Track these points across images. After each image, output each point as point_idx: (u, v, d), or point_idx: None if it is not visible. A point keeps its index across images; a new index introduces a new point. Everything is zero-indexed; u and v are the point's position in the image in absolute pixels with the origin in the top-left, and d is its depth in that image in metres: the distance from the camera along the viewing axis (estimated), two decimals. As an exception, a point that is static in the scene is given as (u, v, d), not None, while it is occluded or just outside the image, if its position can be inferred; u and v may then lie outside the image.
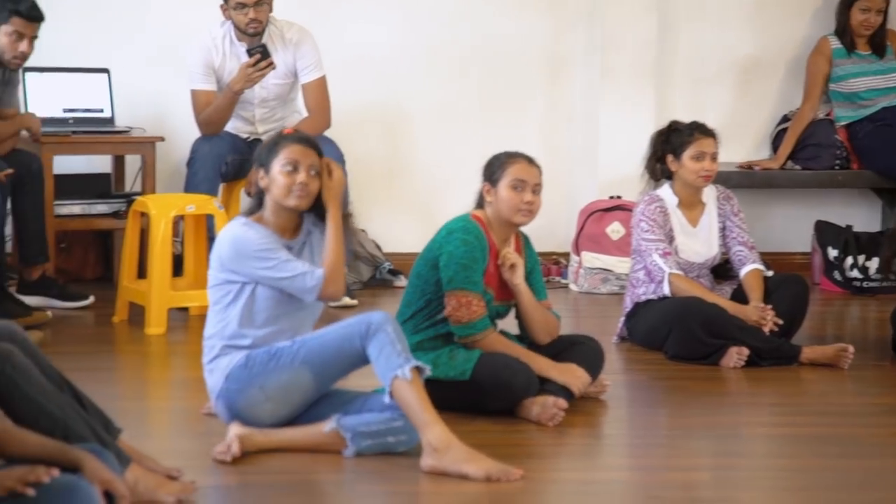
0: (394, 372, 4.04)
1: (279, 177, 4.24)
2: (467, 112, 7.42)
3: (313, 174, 4.26)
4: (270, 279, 4.21)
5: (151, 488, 3.72)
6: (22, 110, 6.38)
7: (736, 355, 5.41)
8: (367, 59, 7.30)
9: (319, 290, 4.20)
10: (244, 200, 4.35)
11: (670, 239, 5.71)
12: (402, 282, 6.83)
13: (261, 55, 6.35)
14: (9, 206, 6.01)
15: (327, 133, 6.64)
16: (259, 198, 4.32)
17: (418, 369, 4.06)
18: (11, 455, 3.30)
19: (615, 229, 7.04)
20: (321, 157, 4.32)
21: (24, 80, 6.46)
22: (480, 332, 4.65)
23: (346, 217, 4.33)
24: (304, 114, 6.69)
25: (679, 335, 5.47)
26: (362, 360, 4.16)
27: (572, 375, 4.69)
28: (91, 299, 6.35)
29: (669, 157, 5.73)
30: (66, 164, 6.71)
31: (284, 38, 6.61)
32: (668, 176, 5.78)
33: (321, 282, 4.20)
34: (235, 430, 4.18)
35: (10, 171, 5.79)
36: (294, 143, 4.28)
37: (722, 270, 5.98)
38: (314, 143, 4.35)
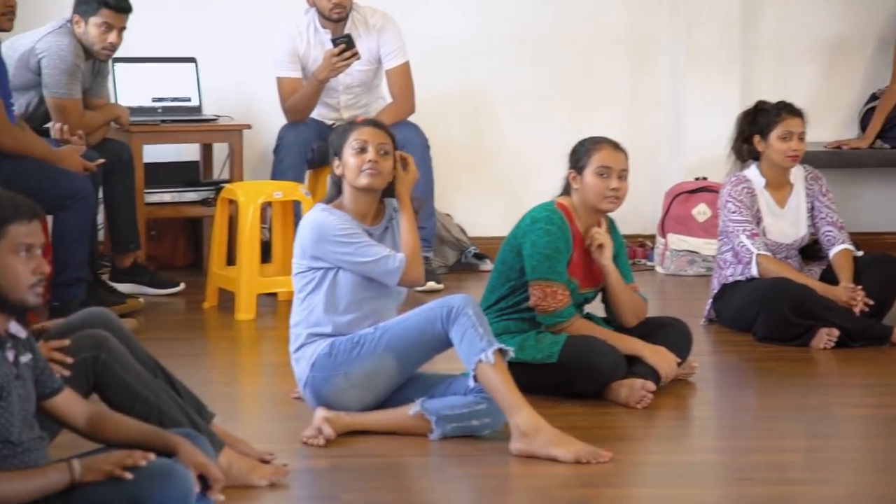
0: (477, 356, 4.06)
1: (350, 159, 4.28)
2: (551, 96, 7.41)
3: (383, 153, 4.29)
4: (352, 264, 4.24)
5: (245, 472, 3.77)
6: (111, 100, 6.46)
7: (826, 336, 5.36)
8: (451, 44, 7.31)
9: (401, 274, 4.23)
10: (330, 187, 4.38)
11: (758, 220, 5.66)
12: (487, 266, 6.84)
13: (345, 45, 6.39)
14: (100, 194, 6.10)
15: (411, 118, 6.66)
16: (337, 186, 4.36)
17: (501, 352, 4.08)
18: (108, 440, 3.35)
19: (701, 211, 7.00)
20: (393, 140, 4.35)
21: (113, 70, 6.55)
22: (567, 320, 4.65)
23: (418, 207, 4.38)
24: (389, 100, 6.72)
25: (768, 316, 5.44)
26: (445, 343, 4.18)
27: (661, 358, 4.68)
28: (181, 286, 6.43)
29: (756, 138, 5.69)
30: (155, 152, 6.79)
31: (368, 24, 6.64)
32: (755, 157, 5.73)
33: (403, 265, 4.23)
34: (322, 413, 4.23)
35: (101, 160, 5.87)
36: (363, 125, 4.34)
37: (810, 251, 5.92)
38: (383, 125, 4.40)
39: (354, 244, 4.23)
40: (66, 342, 3.59)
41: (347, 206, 4.34)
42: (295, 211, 6.24)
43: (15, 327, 3.19)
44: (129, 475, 3.12)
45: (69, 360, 3.55)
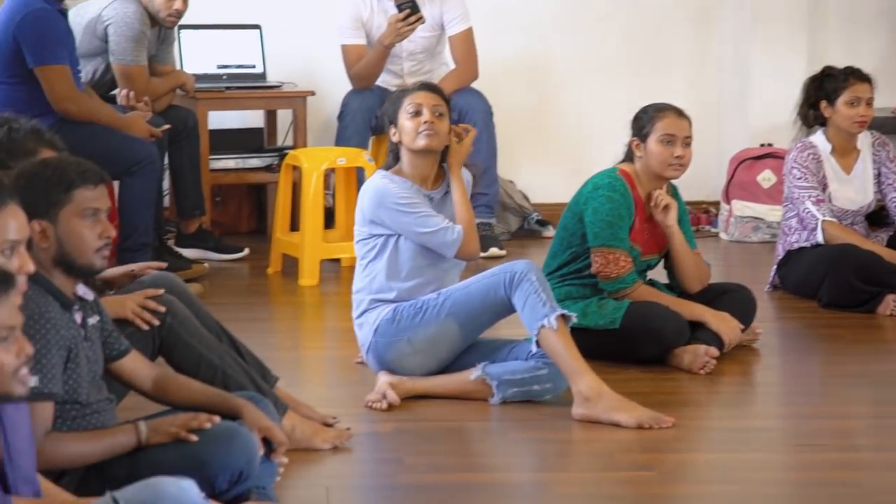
0: (540, 322, 4.06)
1: (406, 123, 4.29)
2: (614, 61, 7.37)
3: (438, 115, 4.29)
4: (410, 232, 4.25)
5: (308, 435, 3.79)
6: (177, 67, 6.50)
7: (893, 302, 5.32)
8: (514, 10, 7.29)
9: (458, 247, 4.23)
10: (388, 155, 4.39)
11: (823, 186, 5.62)
12: (550, 232, 6.83)
13: (410, 10, 6.38)
14: (166, 161, 6.15)
15: (474, 85, 6.65)
16: (395, 154, 4.37)
17: (564, 317, 4.08)
18: (174, 402, 3.39)
19: (766, 177, 6.95)
20: (448, 102, 4.35)
21: (178, 37, 6.58)
22: (629, 286, 4.63)
23: (479, 174, 4.38)
24: (452, 66, 6.71)
25: (833, 282, 5.39)
26: (507, 309, 4.19)
27: (725, 324, 4.66)
28: (246, 251, 6.47)
29: (823, 104, 5.64)
30: (220, 119, 6.83)
31: (431, -10, 6.63)
32: (822, 122, 5.68)
33: (461, 237, 4.23)
34: (385, 378, 4.25)
35: (166, 126, 5.92)
36: (416, 90, 4.35)
37: (877, 217, 5.87)
38: (437, 87, 4.41)
39: (413, 213, 4.24)
40: (161, 291, 3.64)
41: (407, 172, 4.34)
42: (358, 177, 6.26)
43: (83, 290, 3.23)
44: (194, 437, 3.15)
45: (162, 309, 3.60)
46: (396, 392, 4.21)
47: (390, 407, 4.18)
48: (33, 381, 2.33)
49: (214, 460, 3.14)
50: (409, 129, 4.29)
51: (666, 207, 4.69)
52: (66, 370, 3.10)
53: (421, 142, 4.28)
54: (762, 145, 7.08)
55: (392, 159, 4.38)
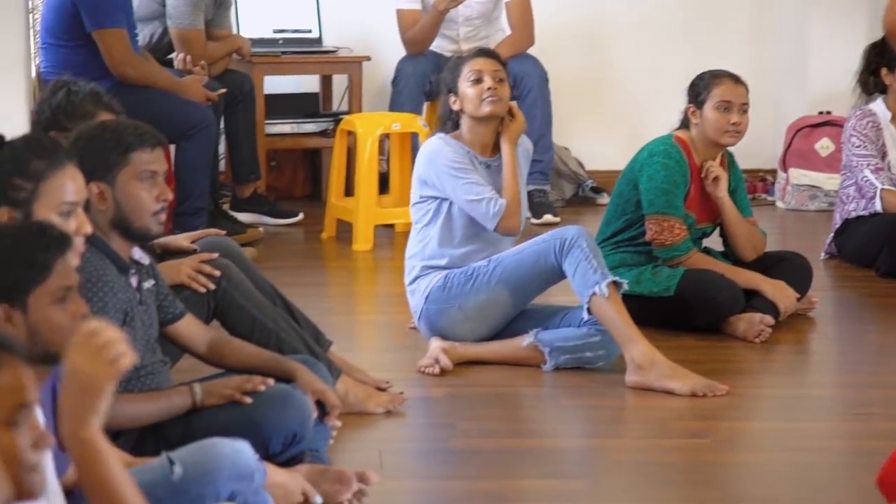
0: (591, 289, 4.05)
1: (468, 91, 4.27)
2: (671, 27, 7.31)
3: (499, 81, 4.28)
4: (457, 199, 4.25)
5: (361, 399, 3.81)
6: (234, 32, 6.52)
7: (950, 273, 5.27)
8: (570, -25, 7.24)
9: (499, 220, 4.22)
10: (440, 121, 4.39)
11: (882, 154, 5.56)
12: (604, 199, 6.81)
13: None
14: (221, 125, 6.17)
15: (530, 51, 6.63)
16: (447, 121, 4.35)
17: (616, 284, 4.07)
18: (228, 365, 3.42)
19: (824, 145, 6.88)
20: (505, 67, 4.34)
21: (235, 2, 6.59)
22: (684, 254, 4.61)
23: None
24: (508, 32, 6.69)
25: (891, 251, 5.34)
26: (558, 276, 4.19)
27: (780, 292, 4.63)
28: (300, 216, 6.50)
29: (883, 71, 5.57)
30: (275, 84, 6.85)
31: (487, -44, 6.60)
32: (882, 90, 5.62)
33: (503, 211, 4.21)
34: (437, 343, 4.26)
35: (222, 91, 5.94)
36: (473, 56, 4.33)
37: (936, 186, 5.80)
38: (494, 53, 4.40)
39: (462, 179, 4.24)
40: (215, 255, 3.67)
41: (467, 138, 4.34)
42: (412, 143, 6.26)
43: (138, 254, 3.26)
44: (248, 399, 3.18)
45: (217, 273, 3.62)
46: (449, 357, 4.22)
47: (443, 372, 4.19)
48: (90, 342, 2.35)
49: (268, 422, 3.17)
50: (471, 96, 4.28)
51: (716, 179, 4.66)
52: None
53: (486, 108, 4.27)
54: (820, 113, 7.01)
55: (450, 126, 4.36)
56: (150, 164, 3.14)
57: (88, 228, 2.70)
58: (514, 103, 4.37)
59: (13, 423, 1.80)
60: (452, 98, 4.33)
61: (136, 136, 3.14)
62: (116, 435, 3.07)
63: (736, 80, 4.67)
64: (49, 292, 2.28)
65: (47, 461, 1.95)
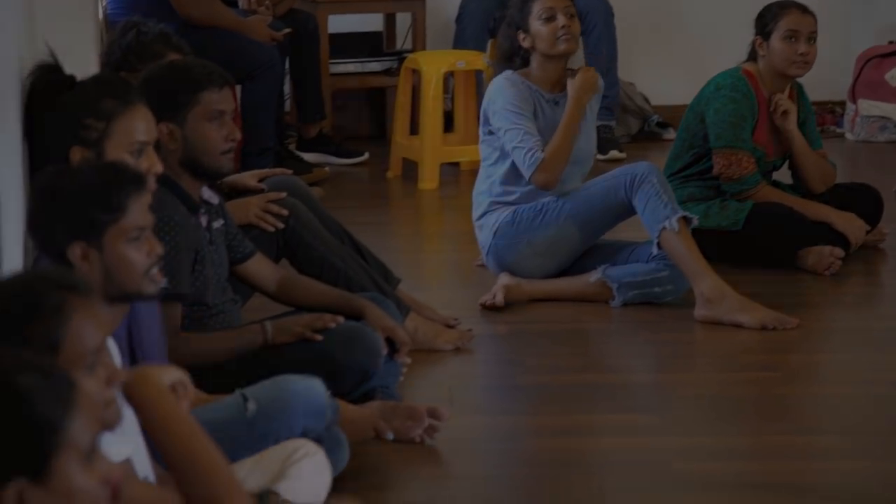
0: (661, 223, 4.04)
1: (541, 29, 4.24)
2: (738, -42, 7.22)
3: (570, 17, 4.25)
4: (504, 141, 4.23)
5: (430, 336, 3.83)
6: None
7: None
8: None
9: (532, 172, 4.19)
10: (499, 58, 4.36)
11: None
12: (670, 135, 6.75)
13: None
14: (286, 65, 6.18)
15: (595, -15, 6.57)
16: (524, 59, 4.31)
17: (686, 219, 4.05)
18: (298, 303, 3.44)
19: (894, 75, 6.79)
20: (573, 1, 4.31)
21: (297, -59, 6.58)
22: (753, 187, 4.58)
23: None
24: (571, -34, 6.63)
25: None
26: (628, 211, 4.17)
27: (850, 224, 4.59)
28: (366, 156, 6.50)
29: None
30: (339, 23, 6.83)
31: None
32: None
33: (536, 165, 4.18)
34: (504, 279, 4.27)
35: (287, 30, 5.93)
36: None
37: None
38: None
39: (512, 123, 4.21)
40: (283, 195, 3.69)
41: (536, 75, 4.31)
42: (477, 81, 6.23)
43: (207, 193, 3.28)
44: (319, 337, 3.21)
45: (285, 212, 3.64)
46: (512, 296, 4.21)
47: (508, 308, 4.19)
48: (163, 281, 2.38)
49: (339, 360, 3.20)
50: (545, 34, 4.25)
51: (784, 112, 4.61)
52: (192, 272, 3.15)
53: (561, 46, 4.25)
54: (891, 42, 6.91)
55: (518, 63, 4.31)
56: (218, 103, 3.16)
57: (159, 168, 2.72)
58: (591, 68, 4.32)
59: (89, 365, 1.83)
60: (522, 35, 4.30)
61: (205, 76, 3.16)
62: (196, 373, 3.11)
63: (803, 9, 4.62)
64: (124, 231, 2.31)
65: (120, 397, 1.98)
